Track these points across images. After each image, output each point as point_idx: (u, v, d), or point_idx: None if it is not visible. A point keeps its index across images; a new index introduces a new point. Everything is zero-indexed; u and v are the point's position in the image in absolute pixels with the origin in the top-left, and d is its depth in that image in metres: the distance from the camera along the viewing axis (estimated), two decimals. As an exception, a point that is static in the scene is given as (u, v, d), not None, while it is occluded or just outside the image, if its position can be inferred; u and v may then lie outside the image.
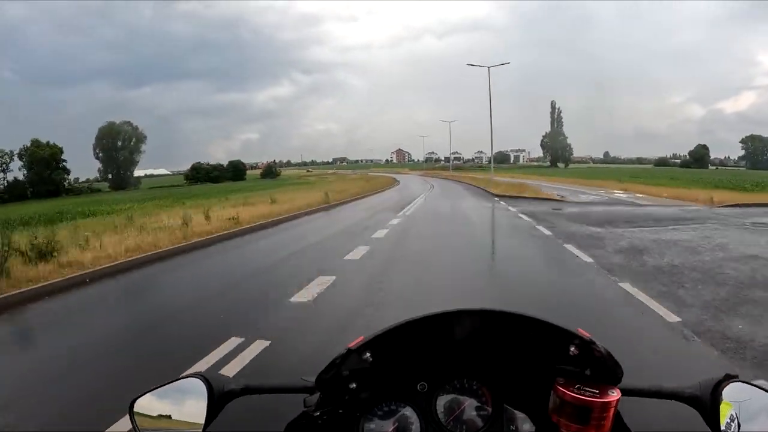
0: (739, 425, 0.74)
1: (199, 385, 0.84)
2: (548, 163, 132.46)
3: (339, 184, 40.61)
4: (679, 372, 3.86)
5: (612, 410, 0.78)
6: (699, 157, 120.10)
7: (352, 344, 0.85)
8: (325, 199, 23.14)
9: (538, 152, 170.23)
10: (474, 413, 0.92)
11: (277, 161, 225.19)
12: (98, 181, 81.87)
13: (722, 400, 0.77)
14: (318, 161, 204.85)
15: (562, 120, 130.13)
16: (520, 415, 0.91)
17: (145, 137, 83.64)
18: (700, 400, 0.81)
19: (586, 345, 0.81)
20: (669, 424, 2.22)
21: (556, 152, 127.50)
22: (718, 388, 0.79)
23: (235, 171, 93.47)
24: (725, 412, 0.76)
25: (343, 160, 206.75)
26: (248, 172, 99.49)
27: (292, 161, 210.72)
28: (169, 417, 0.82)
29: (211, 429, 0.82)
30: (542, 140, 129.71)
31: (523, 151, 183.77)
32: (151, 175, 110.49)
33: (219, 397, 0.85)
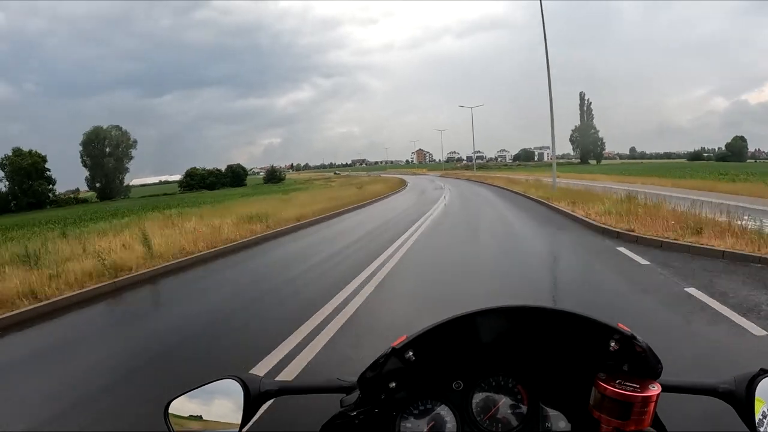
0: None
1: (235, 387, 0.82)
2: (578, 160, 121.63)
3: (325, 193, 31.49)
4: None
5: (652, 405, 0.76)
6: (737, 150, 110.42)
7: (396, 343, 0.83)
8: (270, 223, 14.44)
9: (562, 149, 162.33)
10: (509, 411, 0.90)
11: (294, 164, 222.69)
12: (90, 191, 75.39)
13: (756, 395, 0.76)
14: (336, 163, 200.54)
15: (592, 113, 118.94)
16: (554, 413, 0.88)
17: (135, 142, 76.32)
18: (735, 395, 0.79)
19: (627, 340, 0.79)
20: (703, 419, 2.32)
21: (587, 147, 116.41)
22: (753, 382, 0.77)
23: (234, 176, 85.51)
24: (759, 408, 0.75)
25: (362, 161, 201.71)
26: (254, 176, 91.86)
27: (310, 164, 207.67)
28: (205, 418, 0.80)
29: (247, 430, 0.81)
30: (571, 135, 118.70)
31: (547, 148, 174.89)
32: (166, 182, 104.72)
33: (255, 398, 0.83)
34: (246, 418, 0.81)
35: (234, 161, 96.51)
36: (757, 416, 0.74)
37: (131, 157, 76.35)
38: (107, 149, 73.77)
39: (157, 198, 56.97)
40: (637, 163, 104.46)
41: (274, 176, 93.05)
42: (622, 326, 0.80)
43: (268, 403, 0.87)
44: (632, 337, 0.78)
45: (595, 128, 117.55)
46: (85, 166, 72.87)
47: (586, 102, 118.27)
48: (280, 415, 2.37)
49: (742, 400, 0.77)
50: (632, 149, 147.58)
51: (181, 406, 0.81)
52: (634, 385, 0.77)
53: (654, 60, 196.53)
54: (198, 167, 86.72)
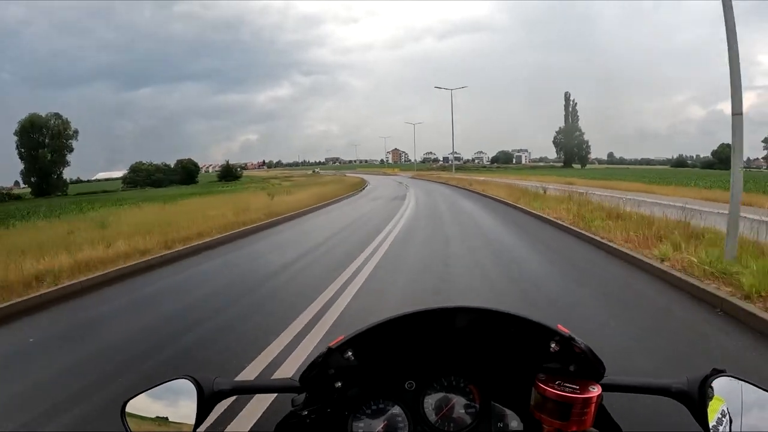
0: (730, 420, 0.73)
1: (189, 386, 0.81)
2: (561, 163, 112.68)
3: (243, 199, 20.94)
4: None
5: (593, 406, 0.76)
6: (725, 158, 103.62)
7: (333, 343, 0.82)
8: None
9: (540, 153, 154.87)
10: (462, 411, 0.90)
11: (267, 161, 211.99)
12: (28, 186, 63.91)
13: (710, 394, 0.76)
14: (310, 161, 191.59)
15: (578, 114, 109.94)
16: (507, 412, 0.89)
17: (76, 132, 64.56)
18: (688, 395, 0.78)
19: (566, 341, 0.79)
20: (658, 420, 2.32)
21: (571, 150, 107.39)
22: (705, 382, 0.77)
23: (185, 173, 73.90)
24: (715, 407, 0.75)
25: (336, 160, 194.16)
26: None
27: (287, 161, 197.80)
28: (160, 418, 0.80)
29: (201, 429, 0.80)
30: (555, 137, 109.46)
31: (525, 151, 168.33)
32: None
33: (209, 398, 0.82)
34: (200, 417, 0.80)
35: (211, 156, 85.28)
36: (716, 415, 0.74)
37: (71, 149, 64.53)
38: (46, 140, 61.81)
39: (87, 196, 49.45)
40: (623, 169, 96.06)
41: (229, 173, 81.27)
42: (561, 328, 0.79)
43: (226, 402, 0.85)
44: (570, 339, 0.78)
45: (580, 130, 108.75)
46: (21, 158, 61.63)
47: (571, 103, 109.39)
48: (236, 414, 2.42)
49: (695, 400, 0.77)
50: (610, 154, 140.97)
51: (138, 406, 0.80)
52: (574, 386, 0.76)
53: (632, 66, 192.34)
54: (144, 162, 75.27)
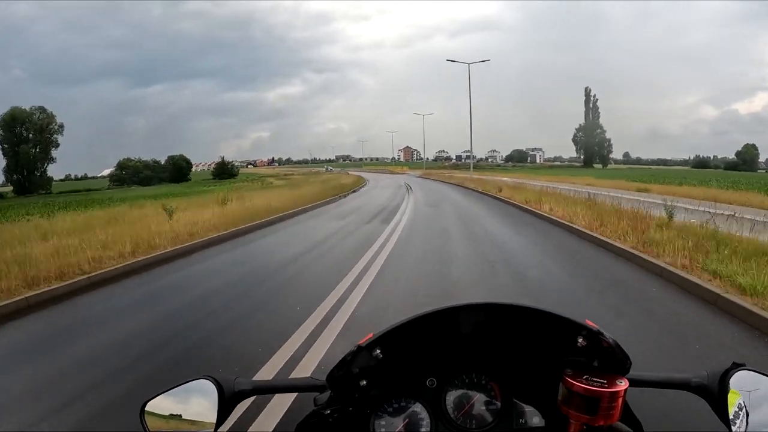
0: (747, 414, 0.72)
1: (209, 387, 0.80)
2: (580, 163, 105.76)
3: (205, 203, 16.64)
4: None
5: (620, 400, 0.76)
6: (749, 159, 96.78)
7: (362, 341, 0.82)
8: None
9: (553, 152, 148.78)
10: (483, 408, 0.89)
11: (276, 158, 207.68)
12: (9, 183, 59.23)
13: (730, 388, 0.75)
14: (320, 159, 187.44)
15: (599, 111, 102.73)
16: (529, 408, 0.88)
17: (62, 127, 59.64)
18: (708, 389, 0.77)
19: (594, 336, 0.79)
20: (677, 413, 2.30)
21: (591, 149, 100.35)
22: (725, 376, 0.76)
23: (176, 170, 68.52)
24: (733, 401, 0.74)
25: (346, 157, 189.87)
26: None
27: (296, 159, 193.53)
28: (181, 419, 0.79)
29: (222, 430, 0.79)
30: (575, 135, 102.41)
31: (539, 150, 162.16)
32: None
33: (229, 398, 0.81)
34: (221, 417, 0.79)
35: (221, 153, 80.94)
36: (732, 409, 0.73)
37: (57, 145, 59.85)
38: (30, 134, 57.16)
39: (67, 196, 45.21)
40: (648, 170, 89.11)
41: (224, 171, 75.23)
42: (589, 323, 0.79)
43: (245, 402, 0.83)
44: (599, 333, 0.78)
45: (601, 128, 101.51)
46: (4, 154, 57.37)
47: (591, 99, 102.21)
48: (256, 414, 2.38)
49: (715, 394, 0.76)
50: (626, 154, 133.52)
51: (157, 406, 0.78)
52: (602, 380, 0.76)
53: (645, 65, 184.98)
54: (133, 158, 70.15)
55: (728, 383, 0.74)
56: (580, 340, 0.79)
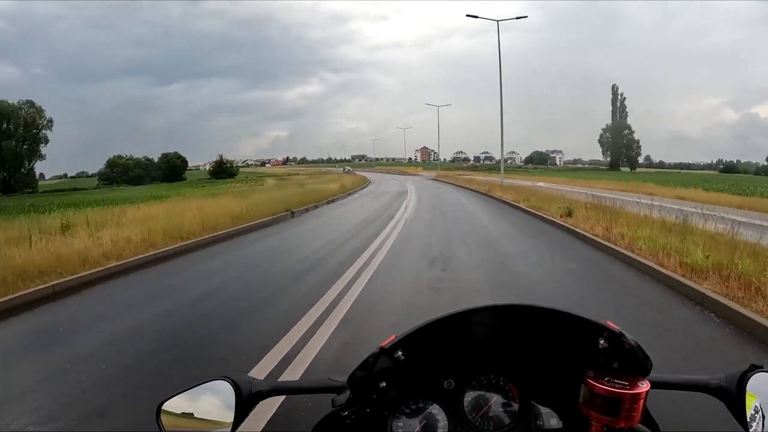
0: (763, 416, 0.72)
1: (227, 388, 0.79)
2: (606, 166, 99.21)
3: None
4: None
5: (642, 401, 0.75)
6: None
7: (385, 343, 0.81)
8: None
9: (573, 154, 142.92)
10: (501, 410, 0.89)
11: (291, 157, 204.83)
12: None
13: (747, 390, 0.74)
14: (335, 159, 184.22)
15: (626, 110, 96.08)
16: (546, 410, 0.88)
17: (51, 122, 55.82)
18: (726, 391, 0.77)
19: (616, 337, 0.78)
20: (694, 415, 2.30)
21: (619, 151, 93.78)
22: (743, 378, 0.76)
23: (170, 168, 64.26)
24: (750, 403, 0.73)
25: (362, 157, 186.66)
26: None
27: (311, 158, 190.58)
28: (197, 420, 0.78)
29: (239, 430, 0.79)
30: (601, 135, 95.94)
31: (559, 152, 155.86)
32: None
33: (247, 399, 0.81)
34: (238, 419, 0.78)
35: (239, 152, 76.46)
36: (749, 412, 0.72)
37: (46, 141, 56.11)
38: (20, 129, 53.63)
39: (50, 195, 42.11)
40: (679, 174, 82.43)
41: (222, 170, 70.40)
42: (611, 324, 0.78)
43: (263, 403, 0.83)
44: (621, 335, 0.77)
45: (629, 128, 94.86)
46: None
47: (619, 97, 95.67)
48: (272, 415, 2.38)
49: (733, 396, 0.75)
50: (647, 157, 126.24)
51: (174, 407, 0.78)
52: (623, 382, 0.75)
53: (664, 67, 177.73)
54: (124, 155, 65.94)
55: (746, 385, 0.74)
56: (601, 341, 0.78)
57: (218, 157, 76.46)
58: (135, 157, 67.19)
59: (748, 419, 0.71)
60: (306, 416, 2.39)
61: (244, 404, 0.79)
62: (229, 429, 0.76)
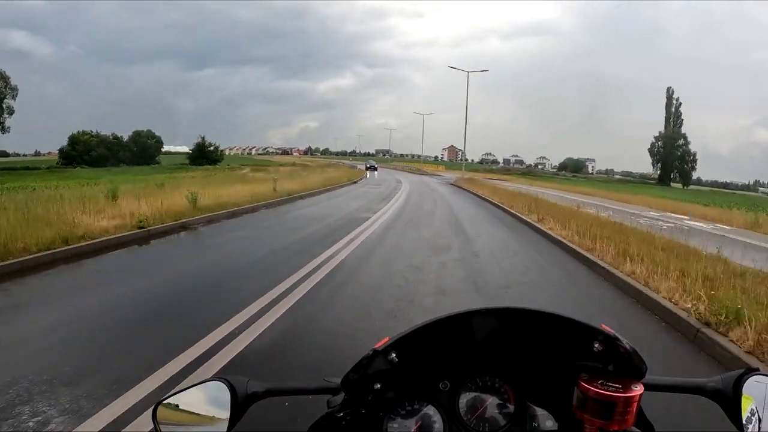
0: (759, 419, 0.71)
1: (222, 389, 0.79)
2: (655, 180, 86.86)
3: None
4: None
5: (635, 405, 0.74)
6: None
7: (378, 345, 0.80)
8: None
9: (605, 164, 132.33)
10: (496, 411, 0.87)
11: (314, 148, 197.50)
12: None
13: (743, 393, 0.74)
14: (361, 152, 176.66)
15: (681, 117, 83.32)
16: (542, 412, 0.87)
17: (15, 90, 47.30)
18: (722, 394, 0.76)
19: (611, 341, 0.76)
20: (690, 417, 2.31)
21: (671, 163, 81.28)
22: (740, 381, 0.75)
23: (140, 149, 55.09)
24: (746, 406, 0.73)
25: (387, 152, 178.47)
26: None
27: (331, 149, 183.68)
28: (193, 420, 0.78)
29: (234, 431, 0.78)
30: (652, 145, 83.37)
31: (591, 160, 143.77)
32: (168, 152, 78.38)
33: (242, 400, 0.80)
34: (233, 419, 0.77)
35: (269, 141, 66.30)
36: (745, 414, 0.72)
37: (10, 111, 47.93)
38: None
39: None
40: (729, 194, 70.26)
41: (202, 155, 59.75)
42: (605, 327, 0.77)
43: (257, 404, 0.82)
44: (615, 338, 0.75)
45: (685, 138, 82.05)
46: None
47: (674, 102, 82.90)
48: (268, 417, 2.27)
49: (729, 398, 0.75)
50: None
51: (170, 407, 0.77)
52: (617, 385, 0.74)
53: (699, 82, 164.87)
54: (88, 131, 56.24)
55: (742, 388, 0.74)
56: (596, 345, 0.76)
57: (200, 139, 64.67)
58: (102, 134, 57.81)
59: (744, 422, 0.71)
60: (301, 418, 2.35)
61: (240, 405, 0.78)
62: (225, 430, 0.76)
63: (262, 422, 2.18)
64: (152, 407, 0.77)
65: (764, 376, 0.74)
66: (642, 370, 0.76)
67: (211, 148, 63.14)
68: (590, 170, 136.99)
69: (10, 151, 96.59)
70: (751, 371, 0.75)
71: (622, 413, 0.72)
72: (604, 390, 0.73)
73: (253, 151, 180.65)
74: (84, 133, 56.47)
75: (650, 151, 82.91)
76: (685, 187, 77.25)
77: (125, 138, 58.95)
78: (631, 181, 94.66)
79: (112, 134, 57.99)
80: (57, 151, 56.32)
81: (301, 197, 16.24)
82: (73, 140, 55.56)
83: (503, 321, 0.83)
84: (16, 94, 48.24)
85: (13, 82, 48.28)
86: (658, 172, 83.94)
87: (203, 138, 63.75)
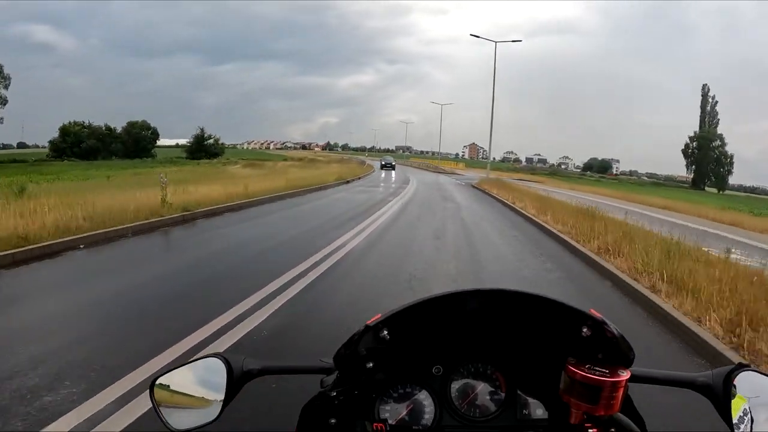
0: (750, 414, 0.72)
1: (219, 365, 0.79)
2: (688, 184, 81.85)
3: None
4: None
5: (621, 390, 0.74)
6: None
7: (370, 321, 0.80)
8: None
9: (629, 165, 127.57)
10: (487, 398, 0.88)
11: (332, 143, 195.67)
12: None
13: (734, 389, 0.74)
14: (381, 148, 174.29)
15: (718, 116, 78.10)
16: (532, 400, 0.88)
17: (8, 80, 45.65)
18: (712, 389, 0.77)
19: (598, 325, 0.78)
20: (680, 411, 2.32)
21: (706, 166, 76.16)
22: (730, 377, 0.75)
23: (134, 141, 52.48)
24: (737, 402, 0.74)
25: (407, 149, 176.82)
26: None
27: (350, 145, 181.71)
28: (188, 396, 0.79)
29: (229, 408, 0.79)
30: (686, 146, 78.26)
31: (616, 161, 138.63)
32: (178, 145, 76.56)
33: (238, 378, 0.80)
34: (228, 397, 0.78)
35: (289, 136, 63.25)
36: (737, 411, 0.72)
37: (3, 101, 46.32)
38: None
39: None
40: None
41: (201, 148, 56.14)
42: (594, 312, 0.78)
43: (253, 382, 0.82)
44: (603, 323, 0.77)
45: (721, 139, 76.80)
46: None
47: (710, 101, 77.71)
48: (262, 394, 2.43)
49: (719, 393, 0.75)
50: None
51: (166, 383, 0.78)
52: (604, 370, 0.75)
53: (725, 84, 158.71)
54: (80, 122, 53.25)
55: (732, 383, 0.74)
56: (584, 329, 0.77)
57: (199, 131, 59.64)
58: (95, 124, 54.61)
59: (736, 420, 0.71)
60: (295, 397, 1.82)
61: (235, 382, 0.78)
62: (220, 407, 0.76)
63: (257, 400, 2.43)
64: (149, 384, 0.76)
65: (755, 372, 0.74)
66: (629, 357, 0.77)
67: (211, 140, 59.53)
68: (614, 171, 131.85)
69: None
70: (742, 367, 0.74)
71: (608, 398, 0.72)
72: (590, 374, 0.73)
73: (271, 146, 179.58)
74: (75, 123, 53.45)
75: (684, 152, 77.72)
76: (720, 192, 72.22)
77: (119, 129, 55.92)
78: (662, 184, 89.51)
79: (105, 125, 54.82)
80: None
81: (251, 204, 12.36)
82: (64, 131, 52.64)
83: (494, 302, 0.82)
84: (9, 83, 46.56)
85: (6, 70, 46.55)
86: (692, 174, 78.75)
87: (202, 129, 60.07)
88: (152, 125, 58.09)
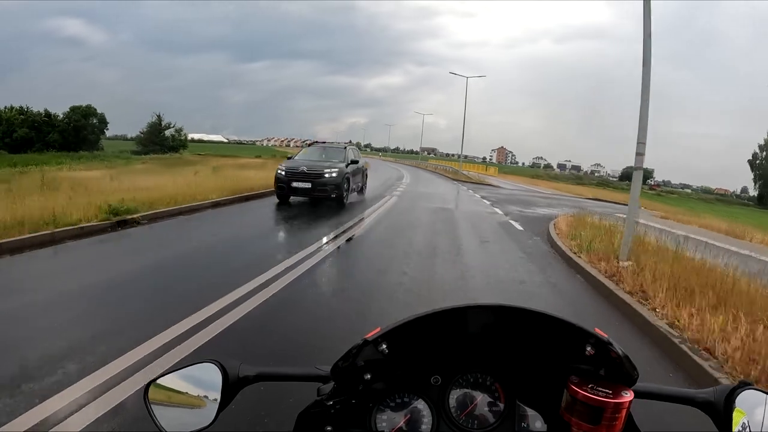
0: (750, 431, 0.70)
1: (214, 371, 0.77)
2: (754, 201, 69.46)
3: None
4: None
5: (624, 411, 0.72)
6: None
7: (369, 335, 0.78)
8: None
9: (663, 176, 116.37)
10: (486, 409, 0.86)
11: (354, 143, 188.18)
12: None
13: (735, 406, 0.72)
14: (404, 149, 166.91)
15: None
16: (531, 412, 0.85)
17: None
18: (714, 406, 0.75)
19: (603, 345, 0.75)
20: (680, 428, 2.16)
21: (776, 181, 63.62)
22: (732, 394, 0.73)
23: (75, 131, 43.43)
24: (738, 420, 0.71)
25: (432, 151, 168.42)
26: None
27: (373, 145, 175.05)
28: (183, 401, 0.76)
29: (224, 414, 0.77)
30: (755, 155, 65.88)
31: (651, 171, 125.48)
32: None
33: (233, 383, 0.78)
34: (224, 402, 0.76)
35: (315, 135, 53.31)
36: (736, 428, 0.70)
37: None
38: None
39: None
40: None
41: (156, 141, 46.98)
42: (599, 331, 0.75)
43: (248, 388, 0.81)
44: (608, 343, 0.74)
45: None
46: None
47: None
48: (257, 401, 2.34)
49: (720, 411, 0.73)
50: (744, 189, 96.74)
51: (161, 387, 0.76)
52: (607, 390, 0.72)
53: (754, 93, 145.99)
54: (17, 106, 44.02)
55: (734, 401, 0.72)
56: (588, 348, 0.75)
57: (155, 118, 49.73)
58: (32, 109, 44.40)
59: None
60: (291, 404, 2.24)
61: (230, 388, 0.77)
62: (214, 412, 0.74)
63: (252, 406, 2.35)
64: (144, 386, 0.74)
65: (757, 391, 0.72)
66: (633, 376, 0.74)
67: (171, 129, 49.50)
68: (653, 181, 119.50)
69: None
70: (745, 385, 0.72)
71: (611, 419, 0.70)
72: (593, 394, 0.71)
73: (291, 143, 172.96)
74: (11, 108, 43.88)
75: (751, 163, 65.35)
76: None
77: (60, 115, 45.76)
78: (722, 199, 76.93)
79: (44, 111, 44.31)
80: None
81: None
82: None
83: (496, 318, 0.80)
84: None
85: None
86: (757, 190, 66.30)
87: (159, 117, 50.31)
88: (99, 112, 48.36)
